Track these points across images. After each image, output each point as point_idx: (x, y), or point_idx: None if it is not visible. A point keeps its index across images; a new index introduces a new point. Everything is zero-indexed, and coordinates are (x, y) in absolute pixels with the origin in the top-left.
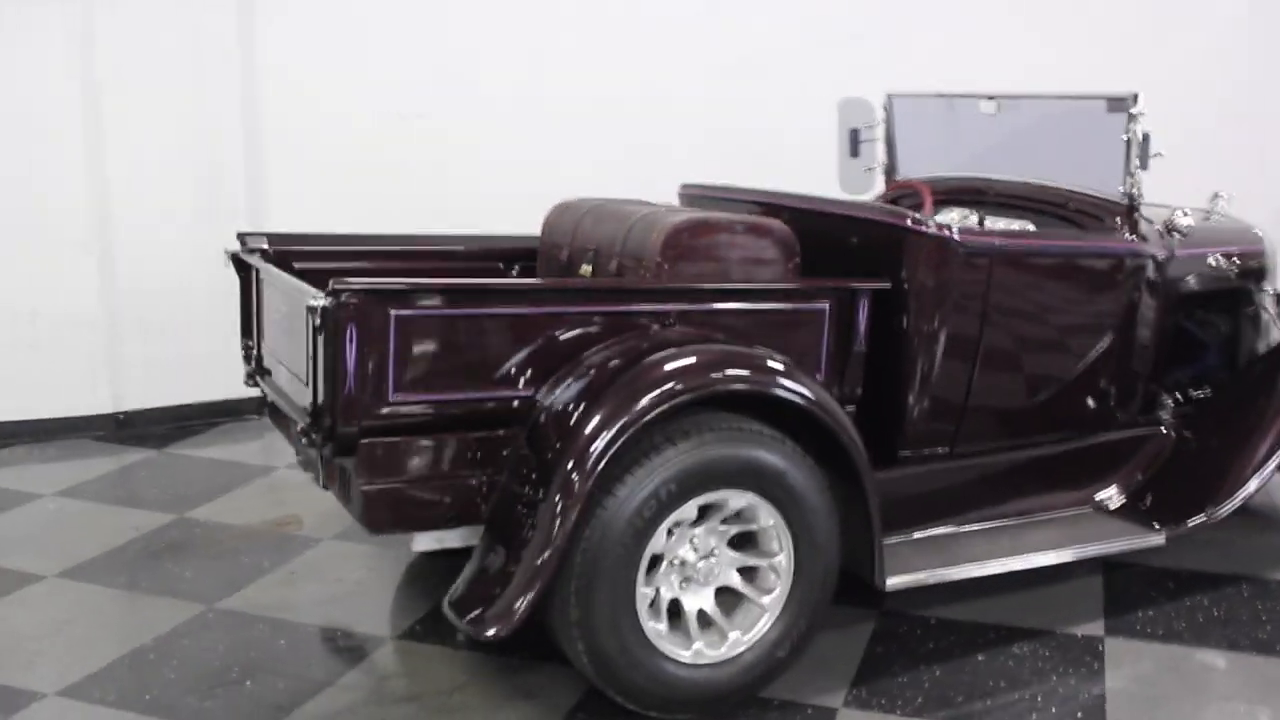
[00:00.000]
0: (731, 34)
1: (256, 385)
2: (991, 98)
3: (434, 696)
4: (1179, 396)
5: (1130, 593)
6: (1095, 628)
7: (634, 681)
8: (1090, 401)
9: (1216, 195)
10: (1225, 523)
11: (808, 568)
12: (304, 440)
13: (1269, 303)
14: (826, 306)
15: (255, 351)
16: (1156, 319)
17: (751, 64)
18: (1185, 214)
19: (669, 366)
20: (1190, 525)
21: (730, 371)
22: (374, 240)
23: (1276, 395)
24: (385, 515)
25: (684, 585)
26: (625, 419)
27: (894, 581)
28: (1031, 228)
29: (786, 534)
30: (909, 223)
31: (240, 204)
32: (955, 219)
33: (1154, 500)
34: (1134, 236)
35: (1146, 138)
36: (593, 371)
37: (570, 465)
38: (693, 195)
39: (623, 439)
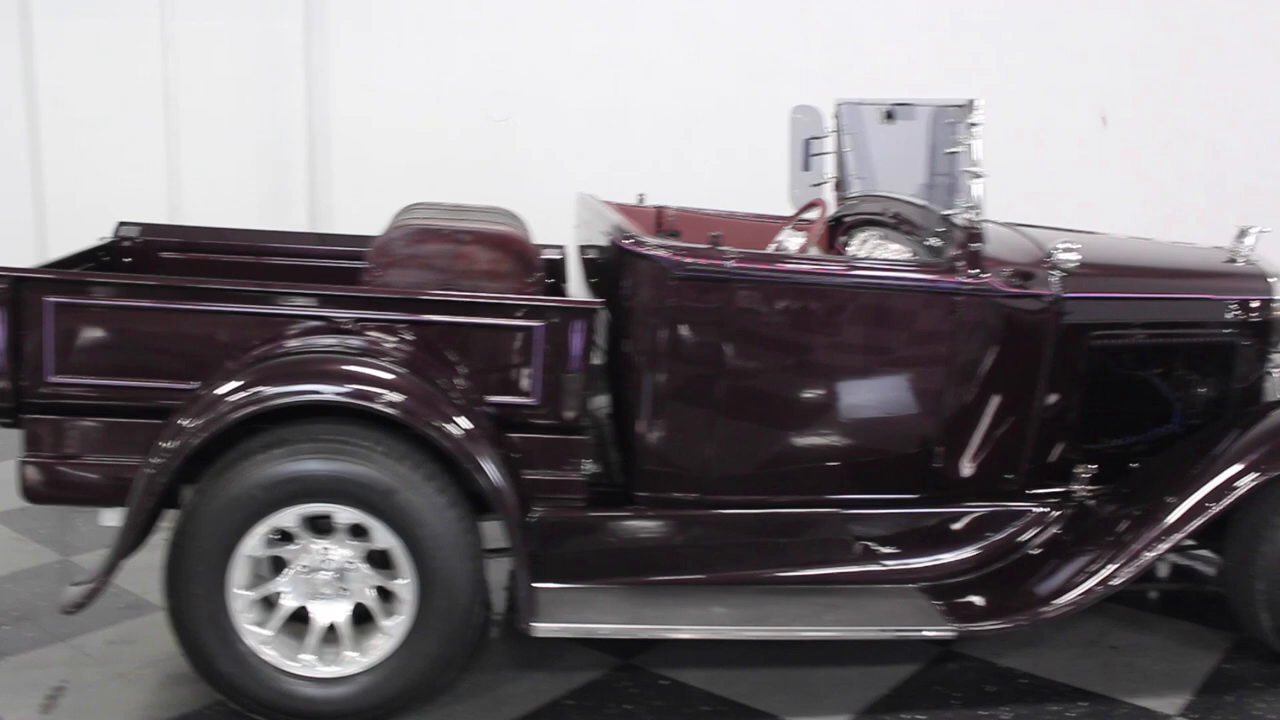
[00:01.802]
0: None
1: None
2: (890, 106)
3: (138, 668)
4: (1091, 468)
5: (927, 688)
6: None
7: (229, 680)
8: (912, 463)
9: (1244, 231)
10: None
11: (433, 597)
12: None
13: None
14: (540, 325)
15: None
16: (1044, 374)
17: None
18: (1070, 247)
19: (256, 375)
20: (990, 625)
21: (303, 385)
22: (249, 235)
23: (1170, 487)
24: (40, 488)
25: (314, 595)
26: (196, 426)
27: (542, 627)
28: (907, 255)
29: (407, 558)
30: (628, 243)
31: (302, 200)
32: (858, 243)
33: (989, 586)
34: (976, 271)
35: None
36: (220, 373)
37: (154, 463)
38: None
39: (197, 442)
